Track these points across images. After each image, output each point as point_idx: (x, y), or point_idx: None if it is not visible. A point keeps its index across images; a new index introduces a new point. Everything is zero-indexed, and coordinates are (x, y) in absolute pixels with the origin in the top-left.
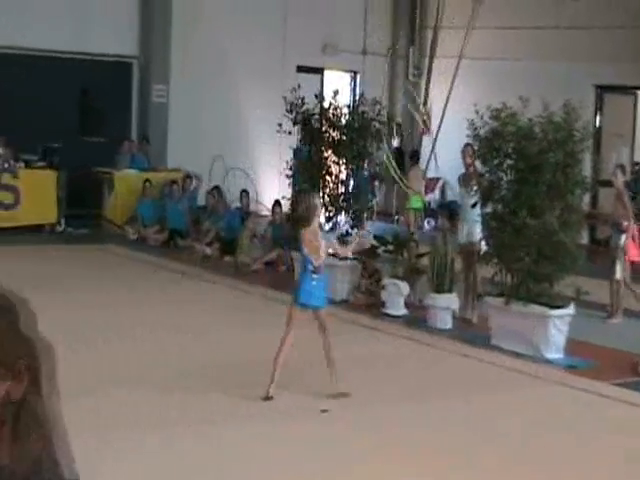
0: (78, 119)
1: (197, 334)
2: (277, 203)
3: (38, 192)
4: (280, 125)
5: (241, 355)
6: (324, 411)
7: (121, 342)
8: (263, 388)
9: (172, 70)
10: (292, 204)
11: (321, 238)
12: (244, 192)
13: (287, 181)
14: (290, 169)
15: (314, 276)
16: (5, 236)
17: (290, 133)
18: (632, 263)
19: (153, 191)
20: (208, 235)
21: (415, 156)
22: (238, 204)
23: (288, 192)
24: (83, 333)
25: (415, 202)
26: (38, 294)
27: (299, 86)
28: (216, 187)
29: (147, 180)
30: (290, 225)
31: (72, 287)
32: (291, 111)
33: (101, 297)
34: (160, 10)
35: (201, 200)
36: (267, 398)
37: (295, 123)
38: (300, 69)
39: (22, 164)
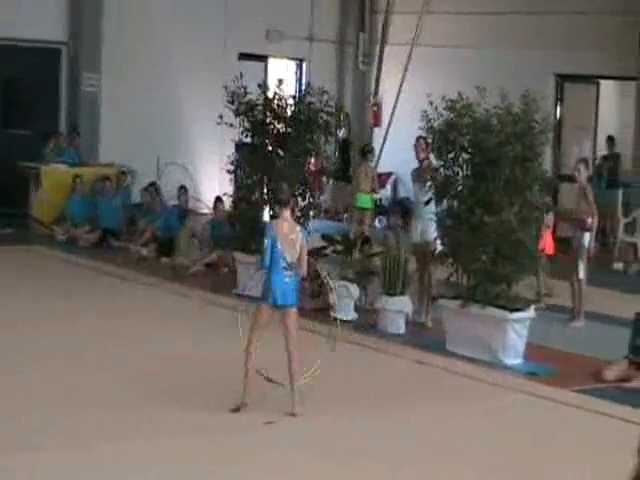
0: (1, 110)
1: (133, 344)
2: (218, 200)
3: None
4: (221, 117)
5: (180, 365)
6: (268, 423)
7: (52, 357)
8: (201, 398)
9: (104, 57)
10: (234, 201)
11: (300, 232)
12: (182, 188)
13: (229, 177)
14: (232, 164)
15: (286, 273)
16: None
17: (232, 125)
18: (548, 257)
19: (84, 188)
20: (144, 235)
21: (368, 151)
22: (176, 201)
23: (230, 188)
24: (8, 347)
25: (364, 201)
26: None
27: (241, 75)
28: (152, 183)
29: (77, 176)
30: (231, 224)
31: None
32: (233, 102)
33: (27, 305)
34: None
35: (136, 197)
36: (236, 409)
37: (237, 114)
38: (242, 57)
39: None
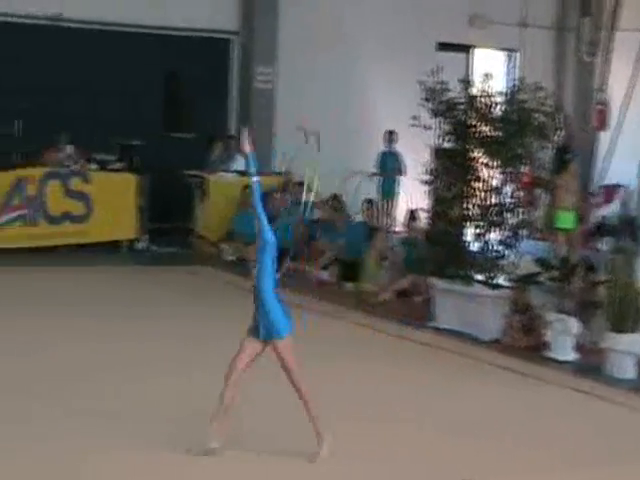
0: (162, 110)
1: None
2: (412, 216)
3: (114, 201)
4: (415, 117)
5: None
6: None
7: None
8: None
9: (280, 48)
10: (431, 217)
11: None
12: (369, 202)
13: (424, 188)
14: (429, 173)
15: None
16: (73, 255)
17: (429, 128)
18: None
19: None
20: (324, 256)
21: (570, 159)
22: (362, 217)
23: (425, 202)
24: (176, 367)
25: (565, 220)
26: (112, 324)
27: (441, 68)
28: (334, 196)
29: (248, 187)
30: (428, 244)
31: (155, 316)
32: (430, 100)
33: (192, 331)
34: None
35: (315, 212)
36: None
37: (435, 115)
38: (442, 47)
39: (95, 166)
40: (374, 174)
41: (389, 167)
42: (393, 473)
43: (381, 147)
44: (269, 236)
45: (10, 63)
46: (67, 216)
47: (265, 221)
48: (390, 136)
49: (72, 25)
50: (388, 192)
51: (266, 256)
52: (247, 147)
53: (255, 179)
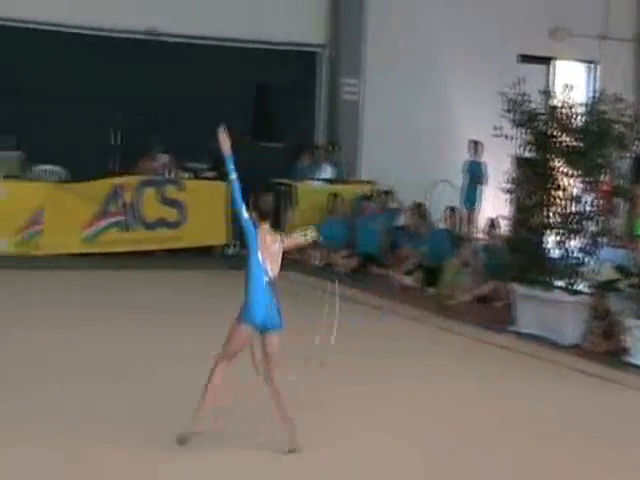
0: (253, 121)
1: (386, 383)
2: (493, 224)
3: (206, 208)
4: (497, 128)
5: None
6: None
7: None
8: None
9: (365, 60)
10: (512, 225)
11: (279, 244)
12: (452, 210)
13: (506, 197)
14: (510, 182)
15: (268, 289)
16: (168, 259)
17: (510, 138)
18: None
19: (342, 208)
20: (407, 262)
21: None
22: (444, 225)
23: (506, 210)
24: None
25: None
26: (205, 325)
27: (522, 80)
28: (418, 204)
29: (335, 194)
30: (509, 251)
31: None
32: (511, 111)
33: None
34: None
35: (399, 219)
36: (183, 441)
37: (516, 125)
38: (523, 59)
39: (188, 174)
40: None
41: (473, 176)
42: (473, 471)
43: (466, 156)
44: (249, 229)
45: (109, 76)
46: (162, 222)
47: (244, 215)
48: (475, 146)
49: (167, 39)
50: (471, 200)
51: (251, 247)
52: (225, 148)
53: (233, 177)
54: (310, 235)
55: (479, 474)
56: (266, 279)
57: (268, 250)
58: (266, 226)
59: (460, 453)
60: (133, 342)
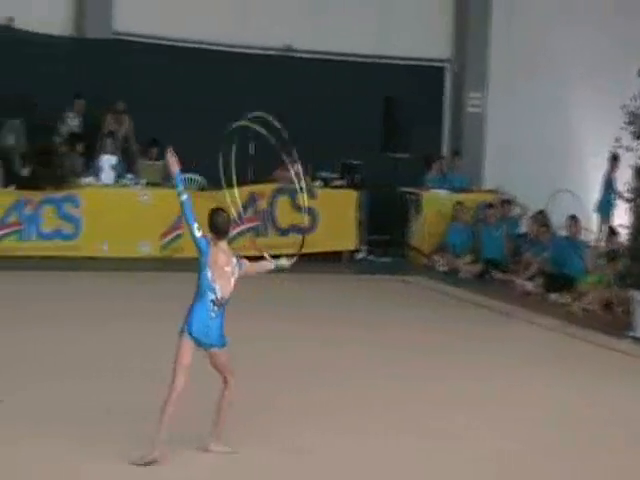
0: (381, 132)
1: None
2: (612, 232)
3: (337, 214)
4: (618, 140)
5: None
6: None
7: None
8: None
9: (490, 74)
10: (632, 233)
11: (236, 266)
12: (573, 218)
13: (625, 206)
14: (631, 192)
15: (214, 308)
16: (299, 263)
17: (630, 149)
18: None
19: (466, 215)
20: (530, 268)
21: None
22: (565, 232)
23: (626, 219)
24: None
25: None
26: (328, 328)
27: None
28: (540, 212)
29: (459, 202)
30: (631, 258)
31: (369, 323)
32: (632, 123)
33: (404, 336)
34: (477, 5)
35: (522, 227)
36: (149, 463)
37: (638, 137)
38: None
39: (320, 183)
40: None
41: (612, 187)
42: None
43: (587, 168)
44: (200, 246)
45: (244, 91)
46: (294, 228)
47: (196, 233)
48: (614, 158)
49: (300, 55)
50: (606, 210)
51: (202, 264)
52: (173, 167)
53: (184, 197)
54: (282, 263)
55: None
56: (212, 297)
57: (221, 269)
58: (223, 244)
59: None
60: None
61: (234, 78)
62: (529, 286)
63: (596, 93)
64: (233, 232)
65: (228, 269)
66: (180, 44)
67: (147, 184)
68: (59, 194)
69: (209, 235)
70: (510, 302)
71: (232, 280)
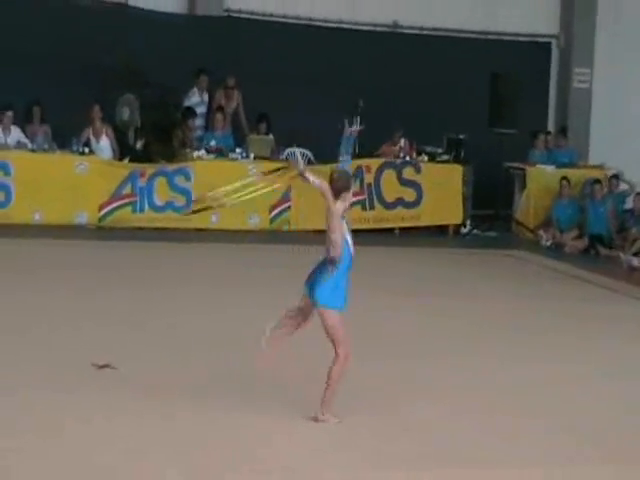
0: (487, 107)
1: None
2: None
3: (442, 189)
4: None
5: None
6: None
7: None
8: None
9: (597, 49)
10: None
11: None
12: None
13: None
14: None
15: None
16: (406, 237)
17: None
18: None
19: (571, 191)
20: (635, 244)
21: None
22: None
23: None
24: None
25: None
26: (435, 298)
27: None
28: None
29: (564, 178)
30: None
31: (471, 295)
32: None
33: (499, 307)
34: None
35: (629, 203)
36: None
37: None
38: None
39: (425, 157)
40: None
41: None
42: None
43: None
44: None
45: (352, 68)
46: (400, 202)
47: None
48: None
49: (407, 31)
50: None
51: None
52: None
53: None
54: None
55: None
56: (348, 264)
57: (347, 234)
58: (340, 205)
59: None
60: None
61: (342, 55)
62: (635, 262)
63: None
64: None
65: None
66: (290, 20)
67: (255, 158)
68: (171, 167)
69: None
70: (615, 278)
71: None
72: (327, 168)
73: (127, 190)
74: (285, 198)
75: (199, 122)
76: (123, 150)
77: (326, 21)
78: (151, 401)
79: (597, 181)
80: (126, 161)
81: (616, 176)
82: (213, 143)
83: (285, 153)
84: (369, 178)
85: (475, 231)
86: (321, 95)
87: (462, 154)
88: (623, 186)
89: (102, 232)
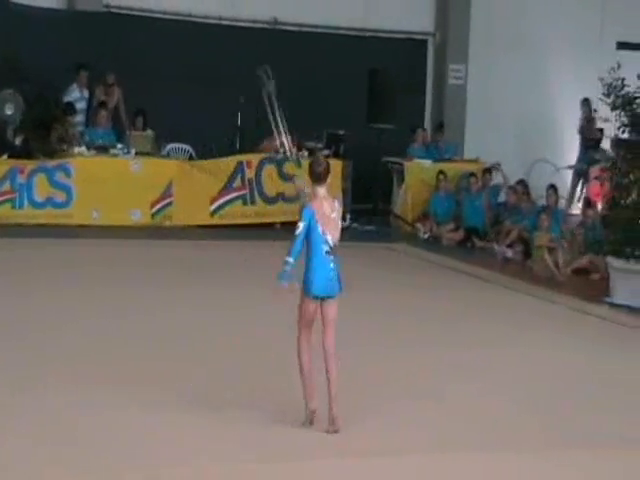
0: (366, 103)
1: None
2: (588, 202)
3: None
4: (595, 111)
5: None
6: None
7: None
8: None
9: (471, 47)
10: (608, 202)
11: (339, 209)
12: (552, 188)
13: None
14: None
15: (330, 258)
16: (287, 231)
17: (607, 120)
18: None
19: (448, 185)
20: (509, 235)
21: None
22: (544, 201)
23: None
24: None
25: None
26: None
27: (619, 66)
28: (520, 181)
29: (441, 172)
30: (605, 226)
31: (356, 289)
32: (609, 95)
33: (390, 300)
34: None
35: (502, 196)
36: (309, 422)
37: (614, 108)
38: (621, 46)
39: (306, 153)
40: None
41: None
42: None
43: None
44: (307, 217)
45: (230, 63)
46: (281, 196)
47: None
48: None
49: (287, 28)
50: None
51: (311, 226)
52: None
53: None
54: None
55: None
56: (326, 249)
57: (327, 218)
58: (322, 191)
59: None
60: None
61: (221, 50)
62: (509, 253)
63: (575, 65)
64: None
65: (334, 215)
66: (168, 17)
67: (136, 154)
68: (51, 163)
69: (307, 197)
70: (489, 267)
71: (339, 224)
72: (207, 163)
73: (6, 187)
74: (167, 194)
75: (79, 118)
76: (1, 146)
77: (206, 17)
78: None
79: (472, 175)
80: (5, 157)
81: (489, 170)
82: (100, 142)
83: (167, 149)
84: (250, 173)
85: (354, 225)
86: (202, 91)
87: (342, 149)
88: (497, 180)
89: None
